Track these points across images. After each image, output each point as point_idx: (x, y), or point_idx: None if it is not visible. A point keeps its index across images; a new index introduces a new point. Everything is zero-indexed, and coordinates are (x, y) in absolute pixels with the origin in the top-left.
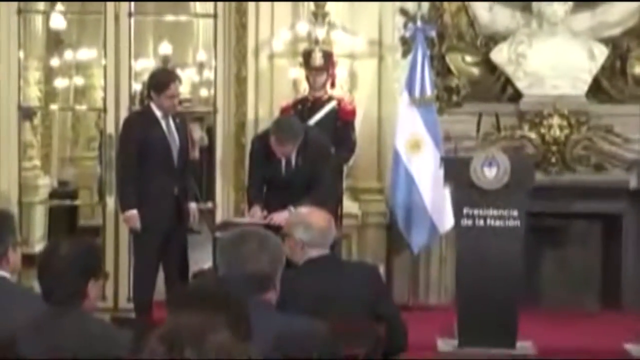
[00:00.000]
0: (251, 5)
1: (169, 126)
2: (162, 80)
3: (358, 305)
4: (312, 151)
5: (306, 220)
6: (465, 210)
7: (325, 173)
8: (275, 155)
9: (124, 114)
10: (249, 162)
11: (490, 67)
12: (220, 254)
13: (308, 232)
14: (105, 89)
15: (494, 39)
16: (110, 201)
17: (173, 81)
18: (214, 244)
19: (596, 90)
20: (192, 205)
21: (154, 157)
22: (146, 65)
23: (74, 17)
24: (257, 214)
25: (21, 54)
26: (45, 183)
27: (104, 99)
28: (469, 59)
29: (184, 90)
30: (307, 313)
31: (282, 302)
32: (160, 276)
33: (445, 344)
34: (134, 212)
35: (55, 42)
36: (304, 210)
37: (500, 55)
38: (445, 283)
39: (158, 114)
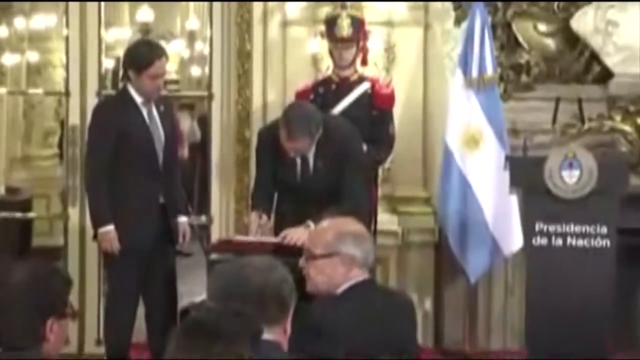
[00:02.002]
0: None
1: (151, 115)
2: (143, 56)
3: (391, 346)
4: (335, 149)
5: (354, 231)
6: (538, 226)
7: (354, 179)
8: (288, 161)
9: (92, 99)
10: (256, 161)
11: (571, 39)
12: (214, 292)
13: (360, 245)
14: (67, 67)
15: (575, 2)
16: (75, 214)
17: (158, 57)
18: (208, 269)
19: None
20: (182, 220)
21: (132, 156)
22: (120, 35)
23: None
24: (253, 225)
25: None
26: None
27: (66, 80)
28: (542, 27)
29: (170, 68)
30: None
31: (320, 336)
32: (140, 312)
33: None
34: (110, 228)
35: (2, 7)
36: (337, 221)
37: (583, 22)
38: (511, 321)
39: (138, 99)
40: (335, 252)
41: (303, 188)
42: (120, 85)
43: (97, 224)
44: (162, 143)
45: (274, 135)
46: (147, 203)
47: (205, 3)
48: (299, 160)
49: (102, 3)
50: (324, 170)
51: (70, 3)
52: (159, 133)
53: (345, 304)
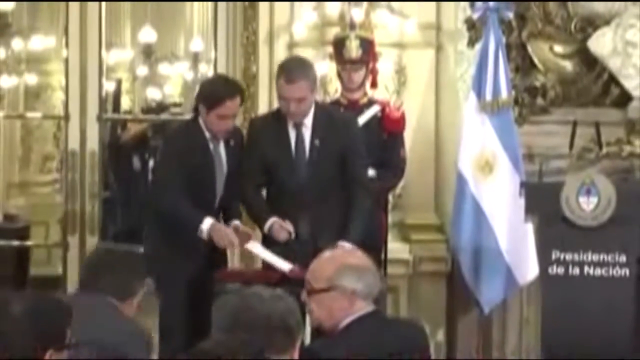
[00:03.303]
0: None
1: (217, 150)
2: (214, 93)
3: None
4: (337, 133)
5: (355, 265)
6: (554, 255)
7: (358, 164)
8: (281, 139)
9: (92, 123)
10: (245, 151)
11: (589, 61)
12: (220, 322)
13: (362, 279)
14: (66, 90)
15: (593, 23)
16: (74, 242)
17: (230, 97)
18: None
19: None
20: (236, 224)
21: (189, 188)
22: (122, 57)
23: None
24: (283, 234)
25: None
26: None
27: (65, 103)
28: (559, 49)
29: (173, 91)
30: None
31: None
32: None
33: None
34: (209, 220)
35: None
36: (338, 252)
37: (602, 44)
38: (527, 353)
39: (206, 133)
40: (335, 286)
41: (295, 176)
42: (192, 115)
43: (193, 226)
44: (224, 178)
45: (266, 119)
46: (194, 235)
47: (210, 24)
48: (292, 138)
49: (103, 24)
50: (321, 152)
51: (70, 23)
52: (222, 170)
53: (348, 340)
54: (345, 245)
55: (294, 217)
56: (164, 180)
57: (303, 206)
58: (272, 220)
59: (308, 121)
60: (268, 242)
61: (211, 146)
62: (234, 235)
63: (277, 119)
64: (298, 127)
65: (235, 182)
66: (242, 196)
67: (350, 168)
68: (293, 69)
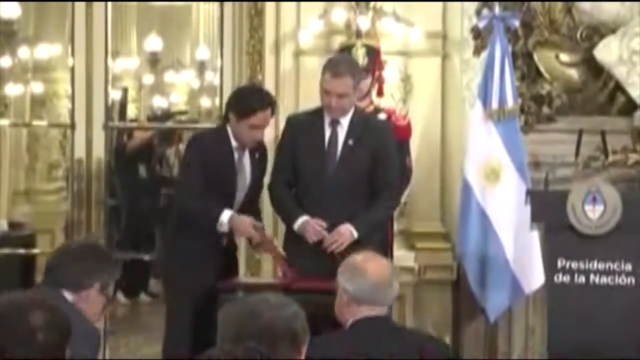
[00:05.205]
0: None
1: (241, 161)
2: (247, 103)
3: None
4: (370, 134)
5: (357, 267)
6: (560, 263)
7: (390, 169)
8: (315, 135)
9: (98, 131)
10: (277, 149)
11: (595, 69)
12: (225, 331)
13: (356, 281)
14: (72, 98)
15: (599, 31)
16: None
17: (262, 108)
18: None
19: None
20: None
21: (210, 194)
22: (128, 65)
23: (32, 2)
24: (319, 233)
25: None
26: None
27: (71, 112)
28: (565, 57)
29: (179, 99)
30: None
31: None
32: None
33: None
34: (228, 213)
35: (6, 35)
36: (361, 255)
37: (607, 52)
38: None
39: (233, 142)
40: (339, 285)
41: (325, 175)
42: (221, 122)
43: (213, 218)
44: (245, 191)
45: (304, 116)
46: (210, 244)
47: (216, 32)
48: (327, 135)
49: (109, 31)
50: (352, 153)
51: (76, 31)
52: (245, 181)
53: (346, 338)
54: (345, 227)
55: (318, 217)
56: (186, 182)
57: (328, 206)
58: (305, 219)
59: (345, 121)
60: (294, 239)
61: (236, 155)
62: (251, 227)
63: (315, 116)
64: (334, 125)
65: (255, 200)
66: (271, 192)
67: (381, 172)
68: (340, 64)
